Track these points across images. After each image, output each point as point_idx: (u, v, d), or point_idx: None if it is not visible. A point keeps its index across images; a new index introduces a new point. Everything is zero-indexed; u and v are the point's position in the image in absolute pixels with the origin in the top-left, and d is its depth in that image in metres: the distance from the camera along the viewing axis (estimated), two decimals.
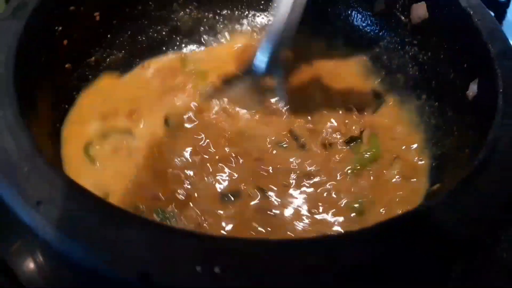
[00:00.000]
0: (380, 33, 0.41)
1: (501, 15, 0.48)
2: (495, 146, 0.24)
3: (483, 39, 0.30)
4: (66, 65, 0.34)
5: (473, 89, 0.30)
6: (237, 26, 0.45)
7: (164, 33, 0.42)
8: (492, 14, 0.34)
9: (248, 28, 0.45)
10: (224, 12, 0.45)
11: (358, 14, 0.43)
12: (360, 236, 0.19)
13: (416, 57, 0.38)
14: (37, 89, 0.28)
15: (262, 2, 0.45)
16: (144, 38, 0.41)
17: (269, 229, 0.30)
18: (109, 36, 0.39)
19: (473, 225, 0.20)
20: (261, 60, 0.37)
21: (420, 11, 0.37)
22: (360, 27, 0.43)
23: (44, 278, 0.19)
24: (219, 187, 0.32)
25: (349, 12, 0.43)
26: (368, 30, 0.42)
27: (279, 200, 0.32)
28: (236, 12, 0.45)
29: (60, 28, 0.32)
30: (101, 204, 0.18)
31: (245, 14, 0.45)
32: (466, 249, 0.20)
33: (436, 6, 0.35)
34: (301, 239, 0.21)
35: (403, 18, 0.39)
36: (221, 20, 0.45)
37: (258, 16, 0.45)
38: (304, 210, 0.31)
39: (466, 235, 0.20)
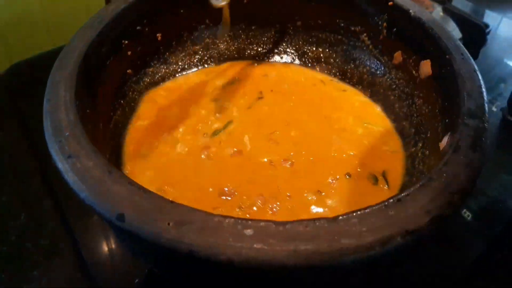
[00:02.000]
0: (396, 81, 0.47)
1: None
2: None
3: (459, 102, 0.34)
4: (128, 71, 0.44)
5: (444, 141, 0.35)
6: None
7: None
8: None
9: None
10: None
11: (379, 63, 0.49)
12: None
13: (421, 108, 0.43)
14: (98, 82, 0.38)
15: None
16: (195, 60, 0.51)
17: None
18: (167, 53, 0.48)
19: None
20: None
21: (425, 68, 0.42)
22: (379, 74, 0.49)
23: None
24: None
25: (371, 59, 0.50)
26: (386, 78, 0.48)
27: None
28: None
29: (127, 42, 0.42)
30: (106, 164, 0.27)
31: None
32: None
33: (436, 66, 0.41)
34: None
35: (414, 72, 0.44)
36: None
37: None
38: None
39: None
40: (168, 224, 0.24)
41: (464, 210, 0.51)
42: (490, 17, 0.83)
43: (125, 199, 0.25)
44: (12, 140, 0.57)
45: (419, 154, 0.41)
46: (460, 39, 0.60)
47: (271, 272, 0.24)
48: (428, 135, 0.41)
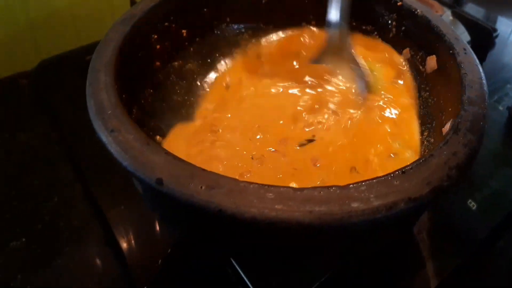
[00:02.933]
0: None
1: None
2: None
3: (461, 92, 0.38)
4: (157, 63, 0.48)
5: (446, 127, 0.38)
6: None
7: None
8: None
9: None
10: None
11: None
12: None
13: (427, 101, 0.47)
14: (134, 71, 0.41)
15: None
16: (218, 55, 0.54)
17: None
18: (191, 49, 0.52)
19: None
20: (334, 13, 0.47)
21: (431, 63, 0.45)
22: None
23: None
24: None
25: None
26: None
27: None
28: None
29: (156, 36, 0.46)
30: (144, 137, 0.30)
31: None
32: None
33: (441, 60, 0.44)
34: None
35: (421, 67, 0.48)
36: None
37: None
38: None
39: None
40: (201, 187, 0.28)
41: (470, 200, 0.54)
42: (504, 23, 0.86)
43: (162, 167, 0.29)
44: (44, 133, 0.61)
45: (425, 142, 0.44)
46: (468, 42, 0.63)
47: (289, 230, 0.27)
48: (433, 124, 0.44)
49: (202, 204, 0.27)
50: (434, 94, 0.45)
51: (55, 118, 0.63)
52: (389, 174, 0.29)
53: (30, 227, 0.49)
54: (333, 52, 0.51)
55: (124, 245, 0.48)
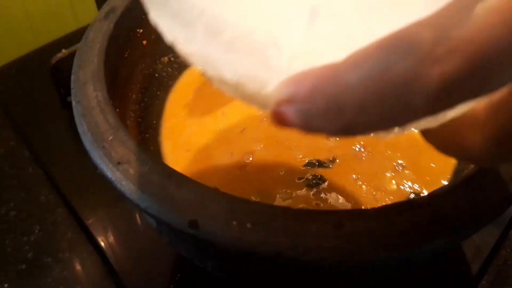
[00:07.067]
0: None
1: None
2: None
3: None
4: (144, 62, 0.41)
5: None
6: None
7: None
8: None
9: None
10: None
11: None
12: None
13: None
14: (121, 77, 0.35)
15: None
16: None
17: None
18: None
19: None
20: None
21: None
22: None
23: None
24: None
25: None
26: None
27: None
28: None
29: (141, 30, 0.38)
30: (165, 167, 0.24)
31: None
32: None
33: None
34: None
35: None
36: None
37: None
38: None
39: None
40: (246, 226, 0.22)
41: None
42: None
43: (193, 204, 0.22)
44: (11, 149, 0.53)
45: None
46: None
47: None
48: None
49: (251, 247, 0.21)
50: None
51: (22, 131, 0.55)
52: None
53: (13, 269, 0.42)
54: None
55: (124, 271, 0.42)
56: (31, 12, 0.63)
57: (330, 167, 0.37)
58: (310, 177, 0.37)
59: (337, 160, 0.38)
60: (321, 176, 0.37)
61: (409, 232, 0.22)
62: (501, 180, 0.23)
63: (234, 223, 0.22)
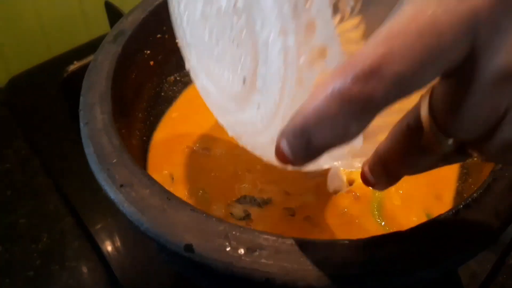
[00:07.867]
0: None
1: None
2: None
3: None
4: (150, 82, 0.42)
5: None
6: None
7: None
8: None
9: None
10: None
11: None
12: None
13: None
14: (128, 97, 0.36)
15: None
16: None
17: None
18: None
19: None
20: None
21: None
22: None
23: None
24: None
25: None
26: None
27: None
28: None
29: (149, 51, 0.40)
30: (163, 190, 0.25)
31: None
32: None
33: None
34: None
35: None
36: None
37: None
38: None
39: None
40: (239, 251, 0.23)
41: None
42: None
43: (190, 228, 0.24)
44: (22, 158, 0.55)
45: None
46: None
47: None
48: None
49: (244, 272, 0.23)
50: None
51: (33, 140, 0.57)
52: None
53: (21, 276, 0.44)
54: None
55: (127, 280, 0.43)
56: (44, 23, 0.65)
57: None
58: None
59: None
60: None
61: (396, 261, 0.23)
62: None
63: (228, 248, 0.23)
